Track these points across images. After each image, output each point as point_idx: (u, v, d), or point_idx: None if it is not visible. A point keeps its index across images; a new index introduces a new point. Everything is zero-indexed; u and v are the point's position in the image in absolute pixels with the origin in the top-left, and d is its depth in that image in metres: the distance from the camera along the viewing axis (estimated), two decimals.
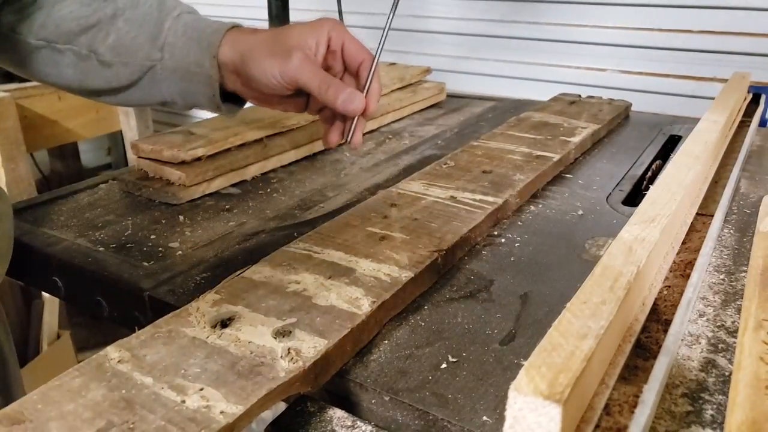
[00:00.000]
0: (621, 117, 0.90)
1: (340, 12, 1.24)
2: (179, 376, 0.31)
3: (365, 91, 0.50)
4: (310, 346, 0.34)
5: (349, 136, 0.51)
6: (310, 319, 0.37)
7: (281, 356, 0.33)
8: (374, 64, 0.50)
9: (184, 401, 0.29)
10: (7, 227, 0.53)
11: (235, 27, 0.53)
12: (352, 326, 0.36)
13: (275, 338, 0.35)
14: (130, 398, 0.30)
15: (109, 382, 0.31)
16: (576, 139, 0.73)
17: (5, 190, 0.56)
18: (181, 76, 0.51)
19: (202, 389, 0.30)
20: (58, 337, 1.40)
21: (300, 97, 0.53)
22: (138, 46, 0.51)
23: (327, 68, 0.51)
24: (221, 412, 0.29)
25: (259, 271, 0.42)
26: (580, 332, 0.28)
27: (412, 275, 0.42)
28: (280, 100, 0.52)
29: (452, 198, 0.55)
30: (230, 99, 0.54)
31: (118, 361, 0.32)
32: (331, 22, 0.50)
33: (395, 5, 0.53)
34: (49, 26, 0.52)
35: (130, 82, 0.52)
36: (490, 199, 0.55)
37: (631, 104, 0.94)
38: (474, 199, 0.55)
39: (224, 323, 0.36)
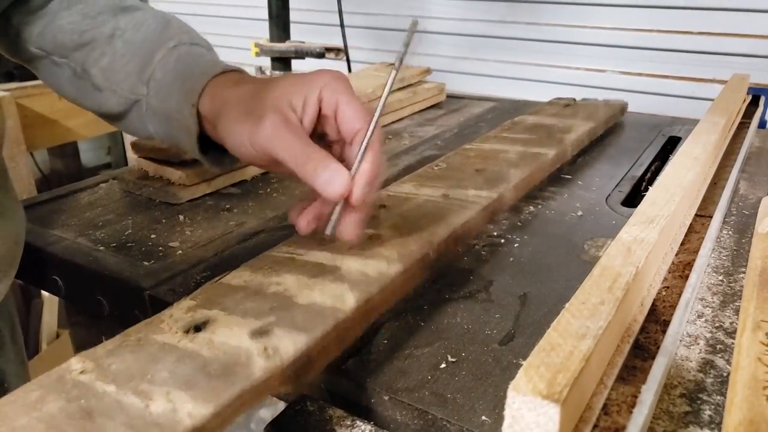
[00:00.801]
0: (617, 116, 0.90)
1: (340, 12, 1.24)
2: (145, 381, 0.29)
3: (353, 171, 0.39)
4: (289, 343, 0.32)
5: (329, 227, 0.40)
6: (291, 317, 0.35)
7: (257, 355, 0.31)
8: (367, 135, 0.39)
9: (148, 406, 0.27)
10: (17, 230, 0.51)
11: (225, 73, 0.44)
12: (335, 322, 0.35)
13: (252, 338, 0.32)
14: (90, 408, 0.27)
15: (69, 393, 0.28)
16: (572, 136, 0.73)
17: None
18: (164, 118, 0.46)
19: (168, 393, 0.28)
20: (58, 336, 1.40)
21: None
22: (126, 75, 0.47)
23: (320, 136, 0.42)
24: (188, 414, 0.27)
25: (238, 276, 0.39)
26: (579, 332, 0.28)
27: (402, 269, 0.41)
28: (266, 166, 0.42)
29: (444, 196, 0.54)
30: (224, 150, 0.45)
31: (81, 372, 0.30)
32: (326, 76, 0.40)
33: (398, 67, 0.40)
34: (47, 36, 0.49)
35: (119, 111, 0.48)
36: (484, 193, 0.54)
37: (626, 104, 0.94)
38: (467, 195, 0.54)
39: (198, 328, 0.34)
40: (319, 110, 0.40)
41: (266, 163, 0.40)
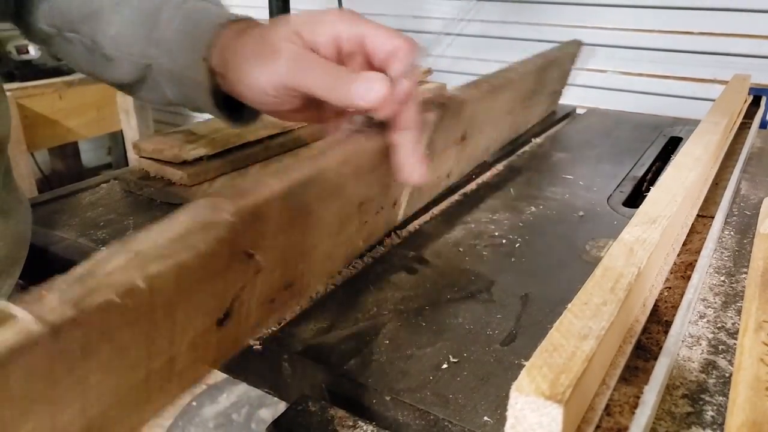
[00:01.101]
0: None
1: None
2: None
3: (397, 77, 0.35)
4: None
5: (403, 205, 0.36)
6: None
7: None
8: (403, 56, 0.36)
9: None
10: (21, 229, 0.51)
11: (232, 23, 0.42)
12: None
13: None
14: None
15: None
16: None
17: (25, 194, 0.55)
18: (178, 80, 0.44)
19: None
20: None
21: (312, 108, 0.40)
22: (135, 40, 0.45)
23: None
24: None
25: None
26: (582, 333, 0.28)
27: None
28: (288, 113, 0.41)
29: None
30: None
31: None
32: (337, 13, 0.37)
33: None
34: (55, 12, 0.48)
35: (133, 79, 0.47)
36: None
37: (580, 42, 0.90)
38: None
39: None
40: (339, 50, 0.37)
41: (287, 105, 0.38)
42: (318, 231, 0.34)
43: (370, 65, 0.37)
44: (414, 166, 0.37)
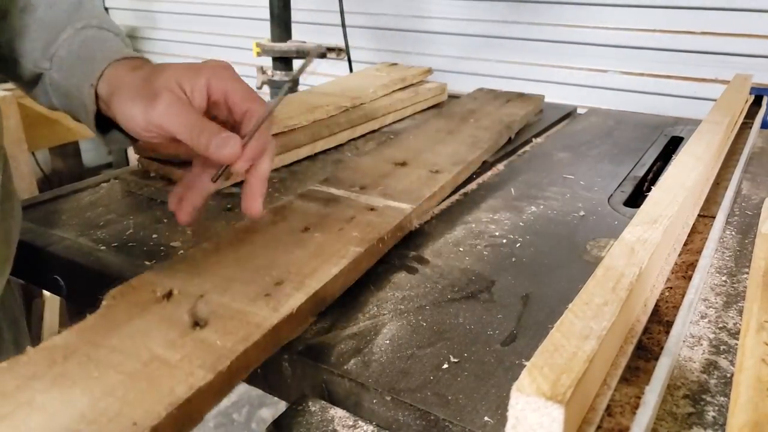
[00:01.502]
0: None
1: (341, 11, 1.24)
2: None
3: (245, 140, 0.41)
4: None
5: (216, 176, 0.43)
6: None
7: None
8: (267, 115, 0.41)
9: None
10: (16, 229, 0.52)
11: (125, 59, 0.47)
12: None
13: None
14: None
15: None
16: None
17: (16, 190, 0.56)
18: (64, 94, 0.49)
19: None
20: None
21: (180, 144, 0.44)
22: (32, 50, 0.49)
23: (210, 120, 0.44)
24: None
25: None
26: (583, 333, 0.28)
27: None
28: (159, 145, 0.47)
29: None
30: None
31: None
32: (212, 66, 0.43)
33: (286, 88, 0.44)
34: None
35: (25, 81, 0.51)
36: None
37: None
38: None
39: None
40: (208, 98, 0.43)
41: (160, 140, 0.43)
42: None
43: (233, 117, 0.44)
44: (253, 205, 0.43)
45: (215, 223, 0.56)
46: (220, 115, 0.44)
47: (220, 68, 0.43)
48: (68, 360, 0.31)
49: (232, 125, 0.44)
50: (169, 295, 0.37)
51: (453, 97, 1.06)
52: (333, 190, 0.55)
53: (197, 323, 0.35)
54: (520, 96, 0.94)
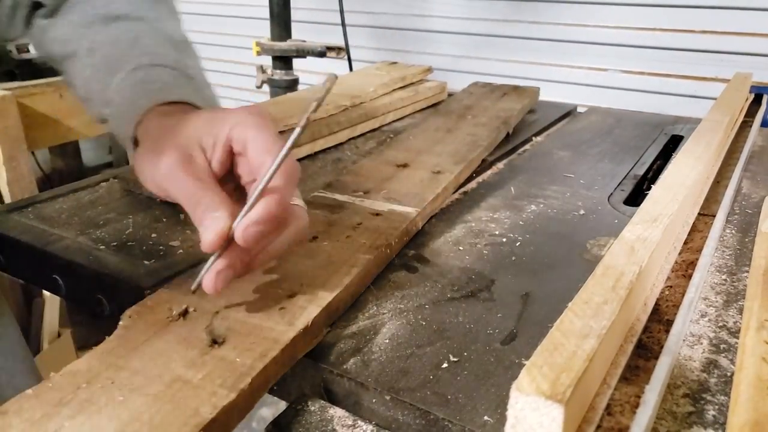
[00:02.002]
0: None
1: (341, 10, 1.24)
2: None
3: (241, 214, 0.34)
4: None
5: (195, 282, 0.36)
6: None
7: None
8: (264, 179, 0.34)
9: None
10: None
11: (164, 104, 0.42)
12: None
13: None
14: None
15: None
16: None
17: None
18: (121, 142, 0.46)
19: None
20: (59, 335, 1.40)
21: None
22: (95, 93, 0.47)
23: (237, 177, 0.38)
24: None
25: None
26: (582, 332, 0.28)
27: None
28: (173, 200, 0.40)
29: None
30: None
31: None
32: (239, 113, 0.37)
33: (303, 127, 0.35)
34: (45, 45, 0.51)
35: (100, 121, 0.49)
36: None
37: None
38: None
39: None
40: (231, 150, 0.37)
41: (170, 199, 0.38)
42: None
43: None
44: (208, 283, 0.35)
45: None
46: (245, 175, 0.38)
47: (246, 115, 0.37)
48: (92, 384, 0.31)
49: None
50: (185, 313, 0.37)
51: (452, 96, 1.05)
52: (337, 196, 0.55)
53: (215, 341, 0.35)
54: (516, 89, 0.94)
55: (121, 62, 0.46)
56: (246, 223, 0.34)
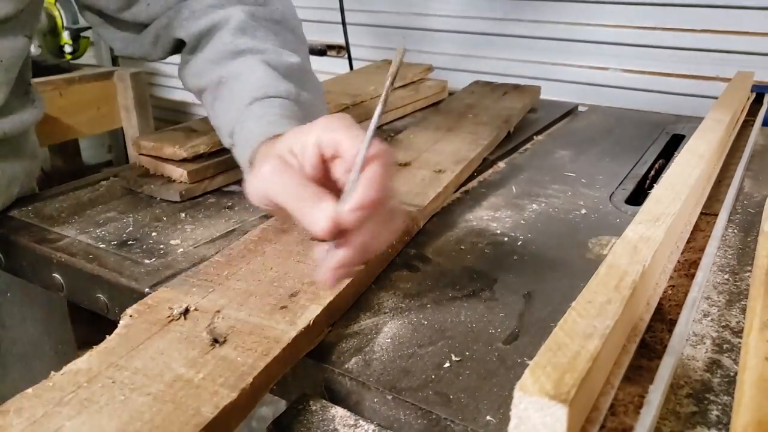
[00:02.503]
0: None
1: (341, 9, 1.23)
2: None
3: (342, 201, 0.35)
4: None
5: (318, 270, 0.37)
6: None
7: None
8: (358, 159, 0.35)
9: None
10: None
11: (277, 136, 0.45)
12: None
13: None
14: None
15: None
16: None
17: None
18: (243, 169, 0.50)
19: None
20: None
21: None
22: (221, 124, 0.53)
23: (333, 182, 0.39)
24: None
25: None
26: (586, 332, 0.28)
27: None
28: (278, 213, 0.41)
29: None
30: None
31: None
32: (324, 120, 0.39)
33: (385, 98, 0.37)
34: (185, 78, 0.59)
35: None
36: None
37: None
38: None
39: None
40: (322, 156, 0.38)
41: (279, 213, 0.39)
42: None
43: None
44: (326, 273, 0.37)
45: (215, 221, 0.56)
46: (340, 177, 0.39)
47: (332, 120, 0.38)
48: (92, 384, 0.31)
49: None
50: (186, 312, 0.37)
51: (453, 94, 1.05)
52: None
53: (216, 340, 0.34)
54: (516, 88, 0.94)
55: (240, 95, 0.51)
56: (351, 206, 0.35)
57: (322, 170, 0.38)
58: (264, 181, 0.38)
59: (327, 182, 0.38)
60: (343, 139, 0.37)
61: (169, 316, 0.37)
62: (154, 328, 0.36)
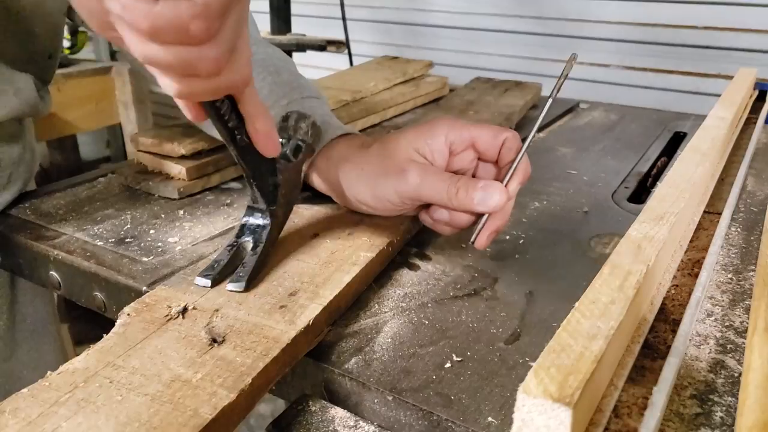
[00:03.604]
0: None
1: (342, 4, 1.23)
2: None
3: (508, 176, 0.43)
4: None
5: (474, 235, 0.44)
6: None
7: None
8: (520, 155, 0.44)
9: None
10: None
11: (344, 136, 0.49)
12: None
13: None
14: None
15: None
16: None
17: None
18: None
19: None
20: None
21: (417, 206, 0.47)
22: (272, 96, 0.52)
23: (455, 171, 0.46)
24: None
25: None
26: (590, 333, 0.27)
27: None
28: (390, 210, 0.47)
29: None
30: None
31: None
32: (445, 124, 0.44)
33: (554, 95, 0.44)
34: None
35: None
36: None
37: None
38: None
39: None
40: (450, 153, 0.44)
41: (409, 210, 0.46)
42: None
43: (480, 159, 0.46)
44: (482, 240, 0.44)
45: (214, 219, 0.56)
46: (463, 166, 0.46)
47: (450, 120, 0.44)
48: (89, 384, 0.31)
49: (475, 169, 0.46)
50: (184, 311, 0.37)
51: (454, 91, 1.05)
52: None
53: (215, 340, 0.34)
54: (518, 85, 0.93)
55: (277, 94, 0.52)
56: (514, 184, 0.43)
57: (445, 166, 0.45)
58: (415, 187, 0.42)
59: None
60: (480, 136, 0.44)
61: (167, 315, 0.36)
62: (151, 327, 0.35)
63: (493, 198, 0.42)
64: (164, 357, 0.33)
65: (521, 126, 0.82)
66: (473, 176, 0.47)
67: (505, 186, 0.43)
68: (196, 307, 0.37)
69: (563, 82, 0.43)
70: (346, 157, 0.47)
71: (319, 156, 0.49)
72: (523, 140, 0.45)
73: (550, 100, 0.43)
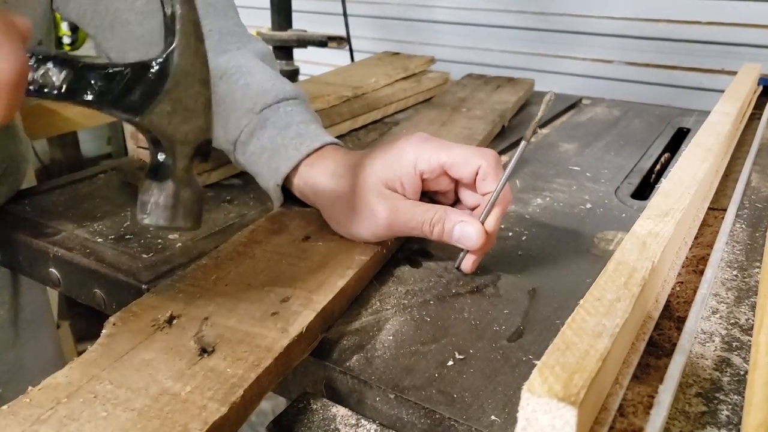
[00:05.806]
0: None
1: (343, 1, 1.22)
2: None
3: (484, 212, 0.41)
4: None
5: (458, 261, 0.44)
6: None
7: None
8: (496, 189, 0.41)
9: None
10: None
11: (313, 154, 0.46)
12: None
13: None
14: None
15: None
16: None
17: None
18: (250, 172, 0.51)
19: None
20: (58, 327, 1.40)
21: None
22: (218, 127, 0.49)
23: (434, 192, 0.45)
24: None
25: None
26: (595, 331, 0.27)
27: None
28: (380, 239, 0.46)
29: None
30: None
31: None
32: (412, 150, 0.42)
33: (528, 138, 0.42)
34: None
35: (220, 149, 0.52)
36: None
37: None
38: None
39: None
40: (422, 179, 0.42)
41: (380, 240, 0.44)
42: None
43: (456, 184, 0.44)
44: (468, 264, 0.44)
45: (214, 215, 0.55)
46: (440, 188, 0.44)
47: (419, 144, 0.42)
48: (72, 399, 0.29)
49: (455, 191, 0.44)
50: (171, 319, 0.35)
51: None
52: None
53: (204, 350, 0.33)
54: (510, 81, 0.93)
55: (246, 102, 0.49)
56: (493, 219, 0.41)
57: (420, 191, 0.43)
58: (387, 228, 0.41)
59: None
60: (451, 159, 0.41)
61: (154, 324, 0.35)
62: (138, 337, 0.34)
63: (470, 239, 0.41)
64: (151, 369, 0.31)
65: (522, 122, 0.81)
66: (455, 196, 0.45)
67: (483, 222, 0.41)
68: (184, 315, 0.36)
69: (539, 122, 0.41)
70: (316, 185, 0.46)
71: (295, 174, 0.47)
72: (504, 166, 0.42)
73: (524, 143, 0.42)
